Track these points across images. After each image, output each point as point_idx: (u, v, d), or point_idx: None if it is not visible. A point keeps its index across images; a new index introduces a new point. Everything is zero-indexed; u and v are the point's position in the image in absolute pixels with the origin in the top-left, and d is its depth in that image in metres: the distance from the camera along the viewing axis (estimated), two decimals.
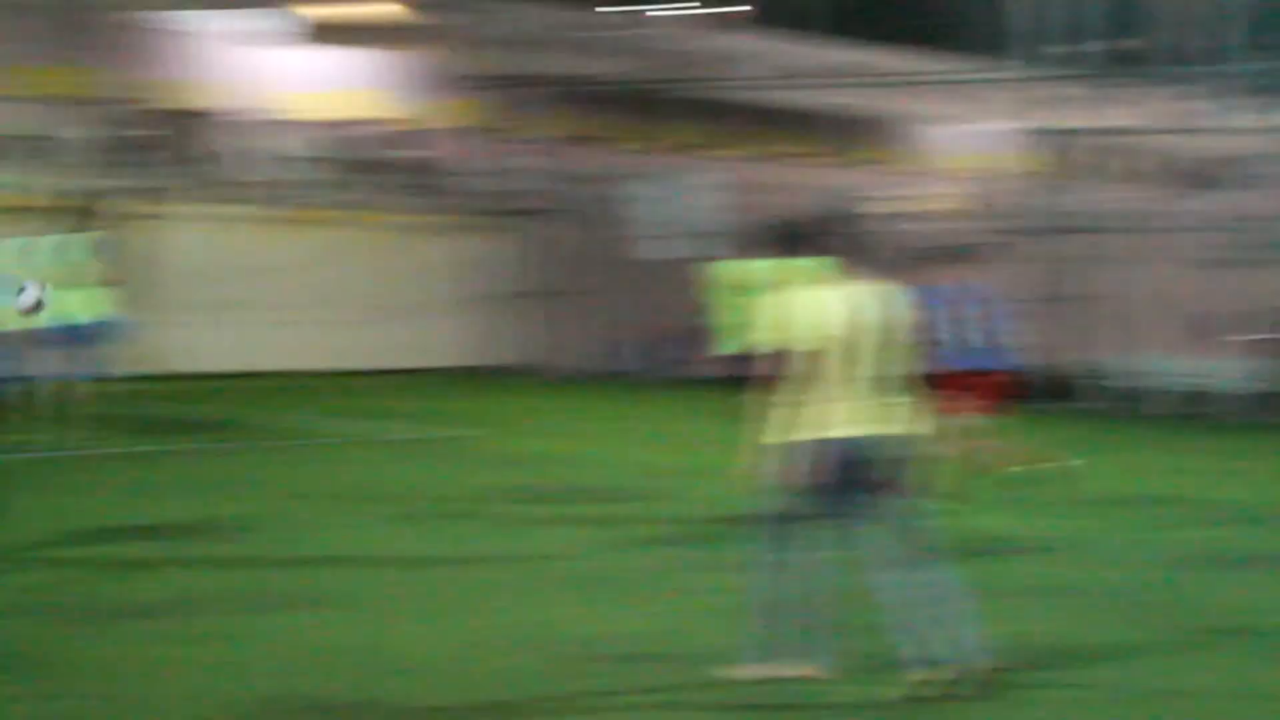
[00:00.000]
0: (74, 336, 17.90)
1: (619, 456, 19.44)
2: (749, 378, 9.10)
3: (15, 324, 16.87)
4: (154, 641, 9.54)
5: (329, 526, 13.83)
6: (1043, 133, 32.77)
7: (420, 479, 16.98)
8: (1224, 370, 28.86)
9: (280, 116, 32.08)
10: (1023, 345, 15.21)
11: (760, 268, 12.54)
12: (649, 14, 41.43)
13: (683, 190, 31.51)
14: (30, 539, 12.49)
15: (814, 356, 8.70)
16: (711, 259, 15.66)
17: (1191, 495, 17.54)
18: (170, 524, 13.58)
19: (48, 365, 17.81)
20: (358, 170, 32.21)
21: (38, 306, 13.33)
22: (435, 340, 30.67)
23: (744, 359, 10.43)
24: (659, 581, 11.79)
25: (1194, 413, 27.89)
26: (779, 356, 8.75)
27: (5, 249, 17.32)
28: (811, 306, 8.75)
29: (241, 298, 28.33)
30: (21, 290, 13.27)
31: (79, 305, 17.80)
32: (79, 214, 18.40)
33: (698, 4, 44.68)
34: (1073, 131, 30.62)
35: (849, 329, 8.75)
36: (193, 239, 27.65)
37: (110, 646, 9.42)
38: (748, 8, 44.81)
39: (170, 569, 11.72)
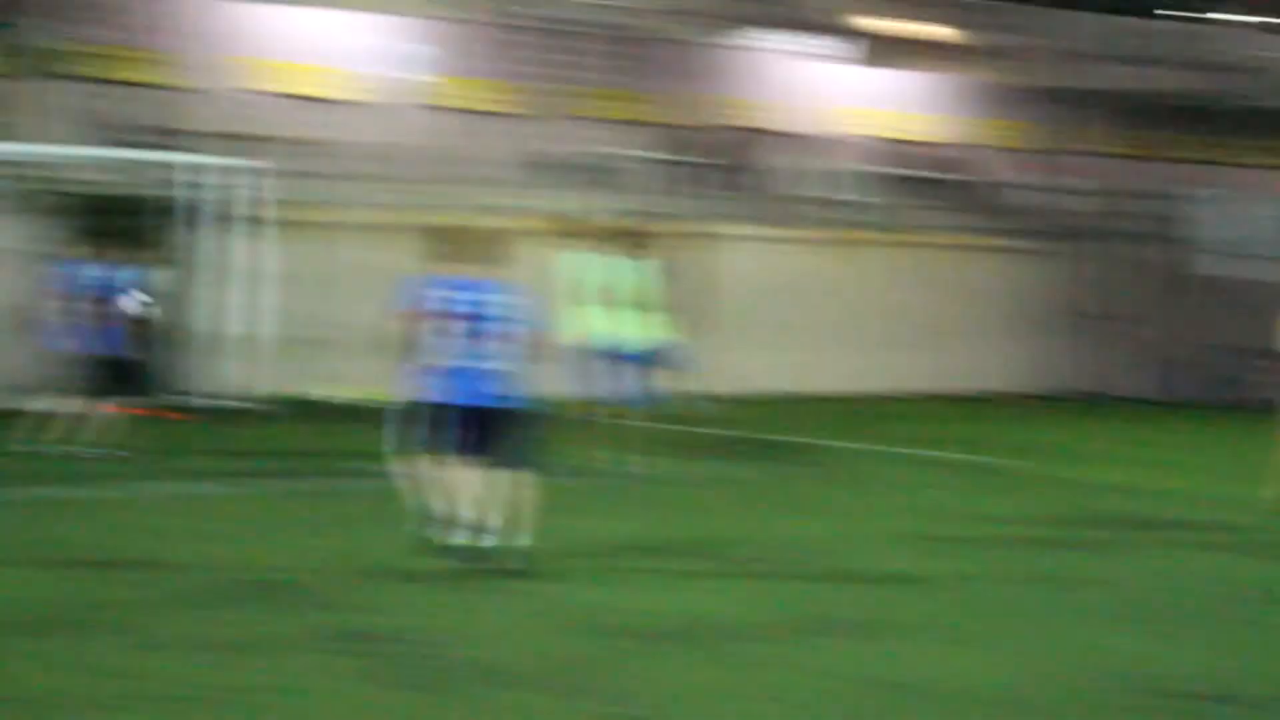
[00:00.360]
0: (635, 359, 17.93)
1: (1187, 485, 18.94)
2: None
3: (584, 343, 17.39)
4: (703, 665, 9.58)
5: (892, 550, 13.77)
6: None
7: (980, 503, 16.78)
8: None
9: (836, 135, 32.24)
10: None
11: None
12: (1208, 22, 40.20)
13: (1249, 207, 30.43)
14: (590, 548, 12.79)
15: None
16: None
17: None
18: (719, 538, 13.76)
19: (612, 387, 17.90)
20: (910, 191, 32.12)
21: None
22: (988, 364, 30.28)
23: None
24: (1225, 612, 11.38)
25: None
26: None
27: (578, 264, 17.70)
28: None
29: (793, 319, 28.49)
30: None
31: (641, 329, 17.86)
32: (638, 238, 18.49)
33: (1257, 12, 43.17)
34: None
35: None
36: (747, 260, 27.93)
37: (648, 665, 9.49)
38: None
39: (700, 589, 11.81)
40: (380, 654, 9.48)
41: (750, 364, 27.26)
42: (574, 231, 18.54)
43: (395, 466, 12.37)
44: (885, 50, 32.44)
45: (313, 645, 9.66)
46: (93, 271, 18.32)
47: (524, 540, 11.91)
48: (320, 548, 12.85)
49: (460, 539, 11.90)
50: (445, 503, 11.92)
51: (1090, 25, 36.20)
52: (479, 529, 11.93)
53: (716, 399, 25.78)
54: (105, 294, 18.32)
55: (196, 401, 22.36)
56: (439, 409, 11.84)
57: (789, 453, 20.86)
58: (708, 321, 26.67)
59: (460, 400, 11.82)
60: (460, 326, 11.86)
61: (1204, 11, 40.21)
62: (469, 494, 11.93)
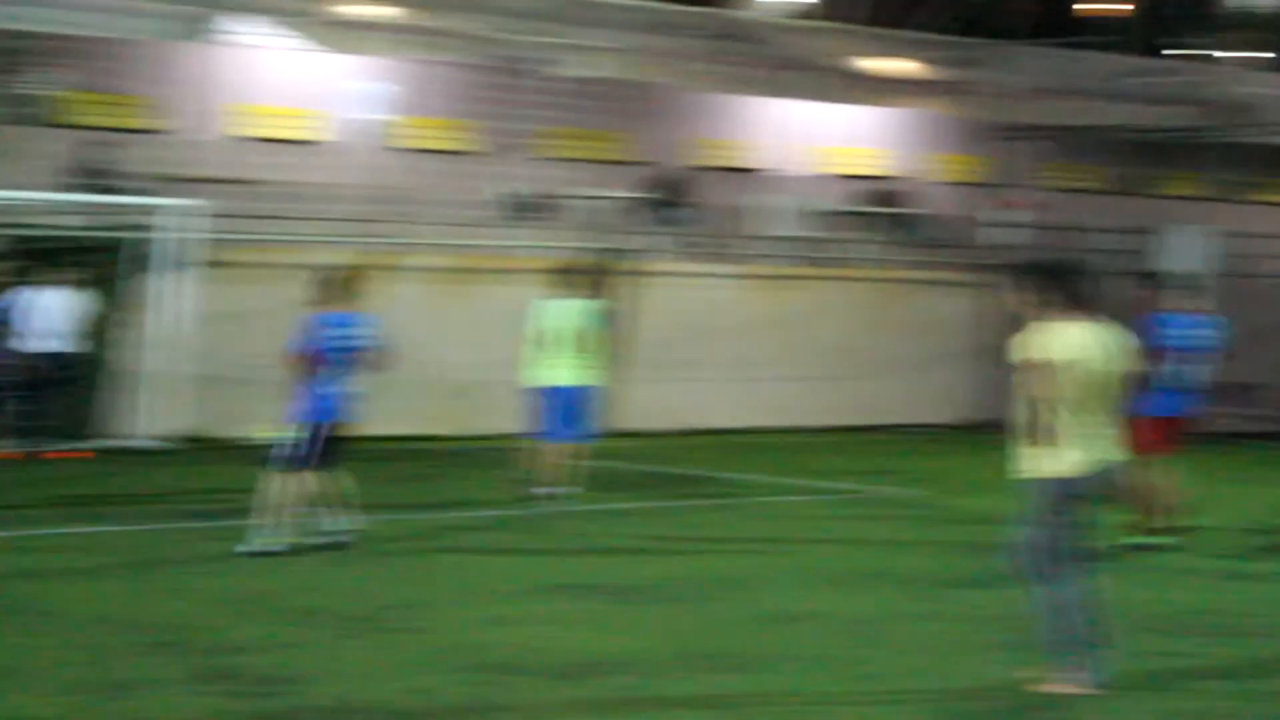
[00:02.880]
0: (568, 398, 18.00)
1: None
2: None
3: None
4: (587, 705, 9.65)
5: (796, 583, 13.85)
6: None
7: (896, 537, 16.87)
8: None
9: (782, 170, 32.39)
10: None
11: None
12: (1167, 58, 40.47)
13: (1196, 241, 30.55)
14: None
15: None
16: None
17: None
18: (628, 574, 13.85)
19: (547, 424, 18.02)
20: (850, 225, 32.25)
21: None
22: (923, 397, 30.23)
23: None
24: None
25: None
26: None
27: (548, 311, 17.96)
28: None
29: (724, 355, 28.52)
30: None
31: (576, 371, 18.01)
32: (589, 277, 18.61)
33: (1218, 48, 43.46)
34: None
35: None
36: (685, 296, 27.98)
37: (531, 702, 9.59)
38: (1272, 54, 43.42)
39: (599, 626, 11.90)
40: (248, 694, 9.59)
41: (679, 399, 27.32)
42: (545, 272, 18.68)
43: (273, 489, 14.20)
44: (835, 86, 32.61)
45: (184, 685, 9.76)
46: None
47: (354, 522, 14.63)
48: (200, 588, 12.92)
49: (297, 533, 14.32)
50: (297, 507, 14.33)
51: (1043, 61, 36.46)
52: (318, 520, 14.57)
53: (642, 435, 25.93)
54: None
55: (114, 441, 22.24)
56: (316, 429, 14.26)
57: (709, 488, 20.95)
58: (642, 358, 26.84)
59: (329, 419, 14.28)
60: (335, 357, 14.13)
61: (1159, 47, 40.54)
62: (311, 494, 14.43)
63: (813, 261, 30.75)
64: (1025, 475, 9.87)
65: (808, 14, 38.61)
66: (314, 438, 14.29)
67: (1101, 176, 34.61)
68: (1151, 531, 15.97)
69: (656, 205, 29.70)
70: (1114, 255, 33.38)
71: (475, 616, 12.10)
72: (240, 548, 14.26)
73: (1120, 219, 34.28)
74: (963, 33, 34.65)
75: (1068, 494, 9.74)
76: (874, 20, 37.32)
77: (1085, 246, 32.87)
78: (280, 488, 14.29)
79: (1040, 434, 9.67)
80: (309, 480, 14.39)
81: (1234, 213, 34.13)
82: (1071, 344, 9.68)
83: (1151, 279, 16.40)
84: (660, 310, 27.21)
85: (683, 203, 29.87)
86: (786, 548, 16.04)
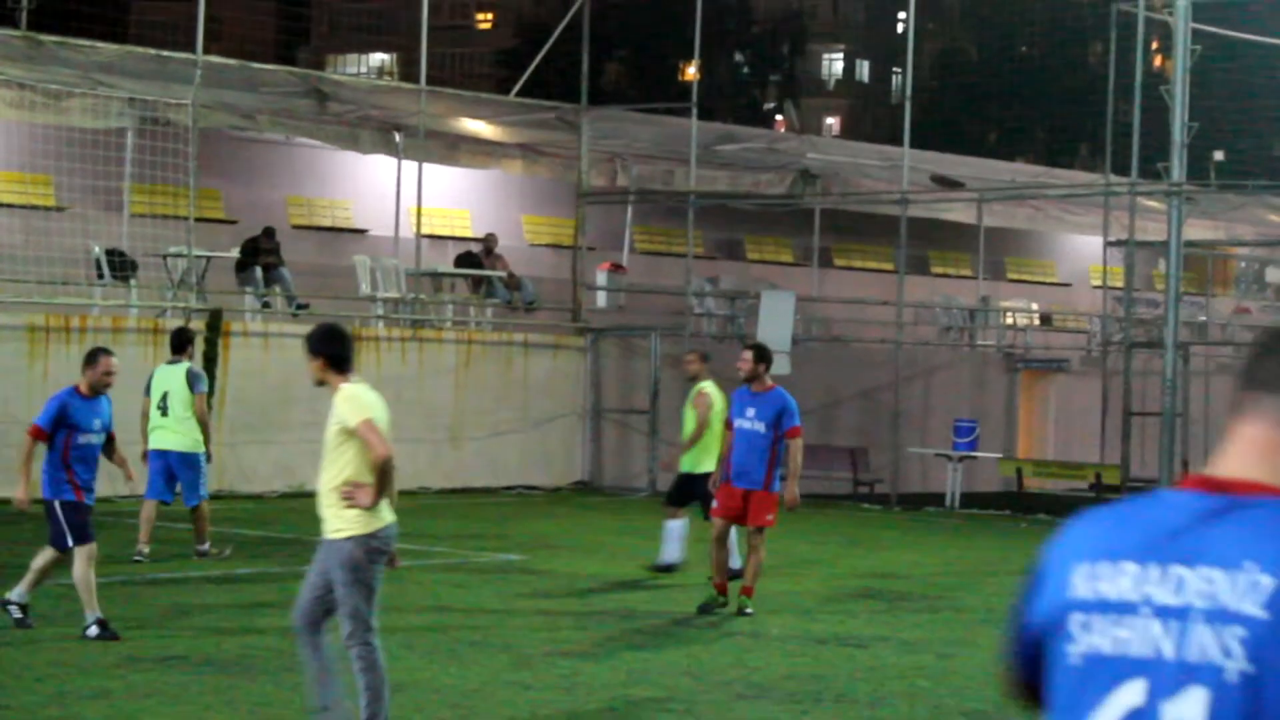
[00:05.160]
0: (165, 460, 18.73)
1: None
2: None
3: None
4: None
5: None
6: (1138, 245, 32.47)
7: (482, 602, 16.85)
8: None
9: (388, 232, 32.28)
10: None
11: None
12: (776, 125, 41.48)
13: (779, 303, 31.26)
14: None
15: None
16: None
17: None
18: (198, 642, 13.55)
19: (151, 486, 18.68)
20: (444, 286, 32.30)
21: None
22: (509, 459, 30.34)
23: None
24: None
25: None
26: None
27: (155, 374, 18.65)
28: None
29: (309, 416, 28.32)
30: None
31: (174, 434, 18.55)
32: (179, 338, 19.21)
33: (809, 115, 44.69)
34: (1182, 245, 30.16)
35: None
36: (281, 359, 27.67)
37: None
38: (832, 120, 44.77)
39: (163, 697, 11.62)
40: None
41: (284, 460, 26.99)
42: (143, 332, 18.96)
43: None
44: (429, 147, 32.61)
45: None
46: None
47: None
48: None
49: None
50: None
51: (642, 126, 37.03)
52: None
53: (246, 497, 25.58)
54: None
55: None
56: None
57: (299, 551, 20.65)
58: (245, 420, 26.47)
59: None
60: None
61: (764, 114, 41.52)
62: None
63: (414, 323, 30.71)
64: (337, 534, 9.87)
65: (404, 76, 38.62)
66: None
67: (698, 241, 35.25)
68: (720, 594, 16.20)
69: (250, 264, 29.33)
70: (713, 319, 34.16)
71: (70, 690, 11.71)
72: None
73: (719, 283, 35.02)
74: (556, 96, 35.03)
75: (381, 551, 9.91)
76: (463, 83, 37.53)
77: (684, 310, 33.59)
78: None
79: (368, 491, 9.74)
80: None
81: (822, 277, 35.15)
82: (375, 405, 9.91)
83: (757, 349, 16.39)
84: (257, 371, 26.88)
85: (277, 262, 29.53)
86: (385, 615, 15.88)
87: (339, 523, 9.86)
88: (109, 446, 14.05)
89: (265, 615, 15.30)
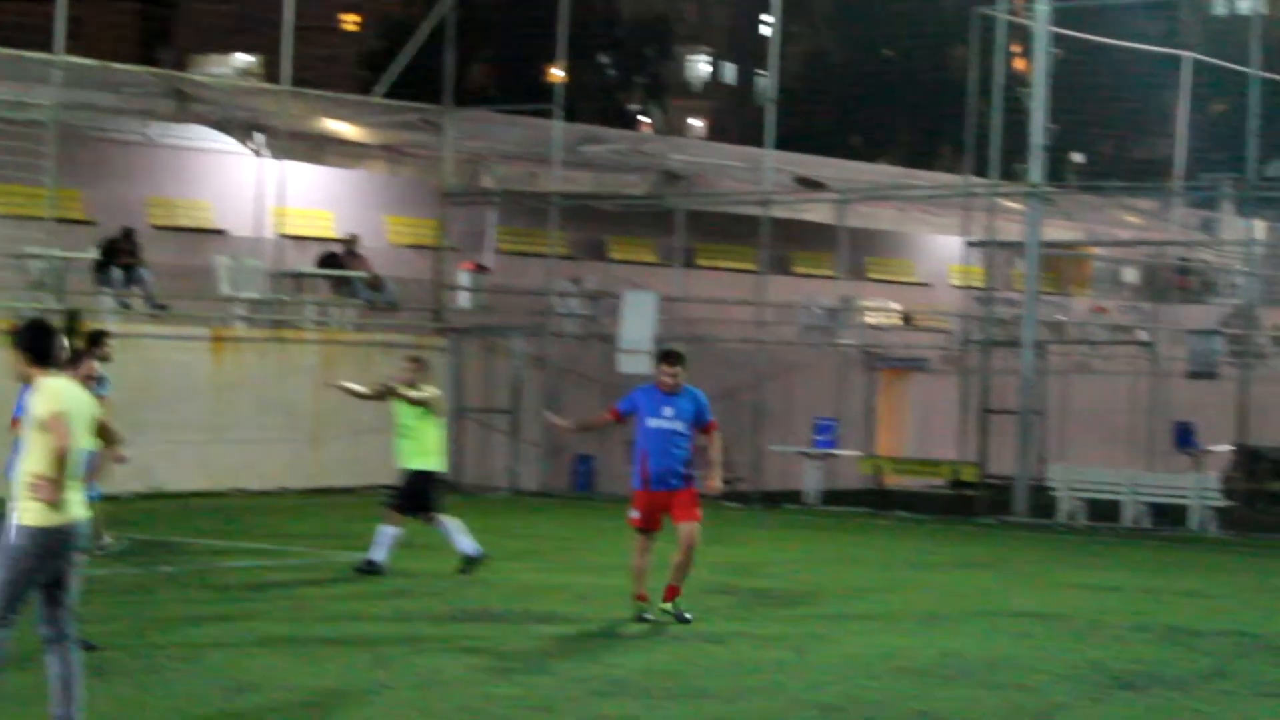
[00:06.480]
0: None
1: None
2: None
3: None
4: None
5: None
6: (998, 245, 32.84)
7: (350, 607, 16.80)
8: (1185, 484, 28.69)
9: (249, 232, 32.05)
10: None
11: None
12: (641, 127, 41.59)
13: (646, 305, 31.34)
14: None
15: None
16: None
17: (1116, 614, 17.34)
18: None
19: None
20: (304, 286, 32.15)
21: None
22: (371, 459, 30.25)
23: None
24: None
25: (1150, 528, 27.71)
26: None
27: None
28: None
29: (171, 417, 28.14)
30: None
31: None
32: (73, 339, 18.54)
33: (673, 116, 44.88)
34: (1034, 244, 30.53)
35: None
36: (139, 359, 27.43)
37: None
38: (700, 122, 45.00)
39: None
40: None
41: (140, 461, 26.73)
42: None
43: None
44: (293, 147, 32.45)
45: None
46: None
47: None
48: None
49: None
50: None
51: (504, 127, 37.01)
52: None
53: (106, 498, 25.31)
54: None
55: None
56: None
57: (166, 555, 20.50)
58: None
59: None
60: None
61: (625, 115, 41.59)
62: None
63: (274, 324, 30.53)
64: (16, 519, 9.85)
65: (270, 77, 38.39)
66: None
67: (561, 241, 35.24)
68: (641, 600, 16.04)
69: (110, 265, 29.07)
70: (575, 319, 34.18)
71: None
72: None
73: (582, 283, 35.03)
74: (420, 97, 34.91)
75: (62, 544, 9.89)
76: (327, 84, 37.33)
77: (547, 310, 33.61)
78: None
79: (51, 485, 9.74)
80: None
81: (685, 278, 35.19)
82: (65, 398, 9.92)
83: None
84: (115, 372, 26.56)
85: (136, 262, 29.28)
86: (243, 616, 15.82)
87: (20, 510, 9.87)
88: None
89: (115, 620, 15.18)
